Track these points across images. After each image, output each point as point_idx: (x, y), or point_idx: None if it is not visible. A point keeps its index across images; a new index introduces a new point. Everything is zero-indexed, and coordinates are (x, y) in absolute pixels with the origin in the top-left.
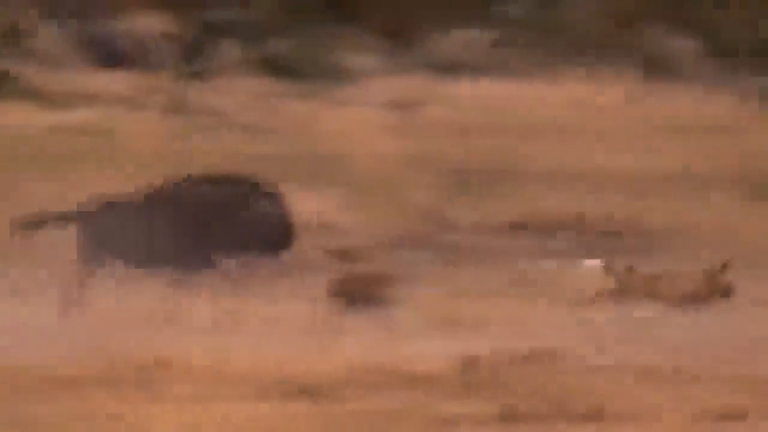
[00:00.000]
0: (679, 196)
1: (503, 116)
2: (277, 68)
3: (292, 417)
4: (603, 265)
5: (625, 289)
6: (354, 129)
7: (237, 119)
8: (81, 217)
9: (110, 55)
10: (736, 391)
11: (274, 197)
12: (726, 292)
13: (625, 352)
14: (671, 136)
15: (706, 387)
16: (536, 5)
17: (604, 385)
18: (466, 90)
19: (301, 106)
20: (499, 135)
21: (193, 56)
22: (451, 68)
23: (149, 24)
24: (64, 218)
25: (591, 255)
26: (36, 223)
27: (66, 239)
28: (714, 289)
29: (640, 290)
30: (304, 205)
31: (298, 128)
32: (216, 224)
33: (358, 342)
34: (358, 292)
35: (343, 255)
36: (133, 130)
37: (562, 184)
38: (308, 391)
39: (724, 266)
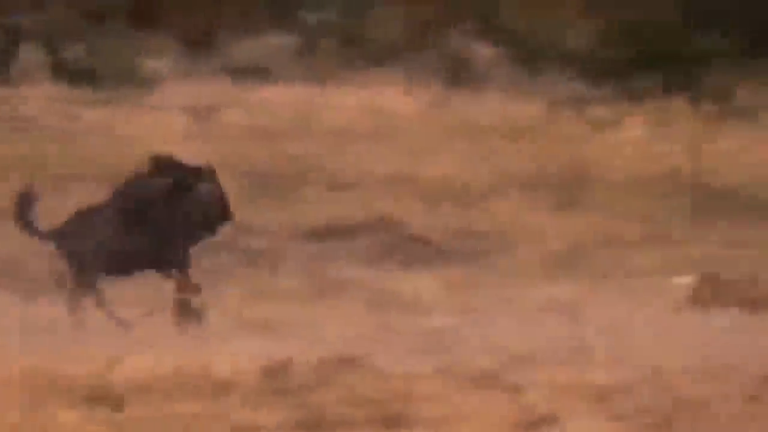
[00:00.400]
0: (478, 202)
1: (306, 122)
2: (76, 73)
3: (94, 423)
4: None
5: None
6: (153, 134)
7: (36, 125)
8: (54, 236)
9: None
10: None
11: (211, 178)
12: None
13: (423, 360)
14: (475, 142)
15: (513, 395)
16: (341, 12)
17: (406, 391)
18: (268, 95)
19: (100, 111)
20: (302, 140)
21: None
22: (252, 73)
23: None
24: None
25: (392, 259)
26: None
27: None
28: None
29: None
30: None
31: (97, 133)
32: (168, 213)
33: (164, 346)
34: None
35: None
36: None
37: (364, 190)
38: (111, 396)
39: None
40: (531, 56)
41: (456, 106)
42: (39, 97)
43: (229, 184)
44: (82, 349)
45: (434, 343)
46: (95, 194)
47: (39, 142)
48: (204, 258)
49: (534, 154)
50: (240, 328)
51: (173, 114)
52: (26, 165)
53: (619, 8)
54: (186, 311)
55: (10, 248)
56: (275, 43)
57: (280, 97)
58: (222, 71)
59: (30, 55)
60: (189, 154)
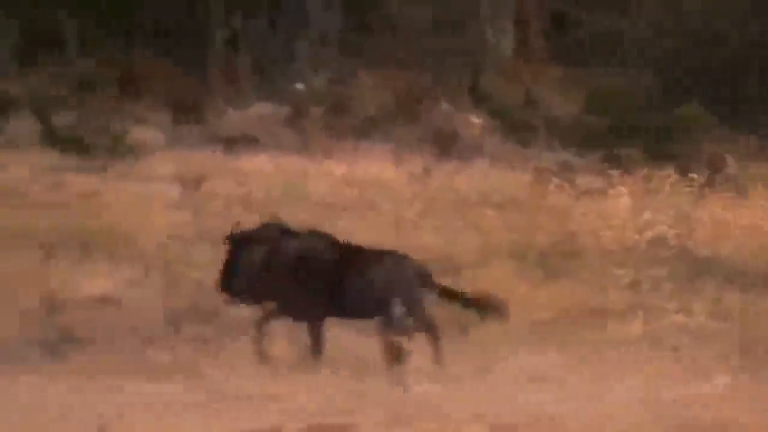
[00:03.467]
0: (465, 271)
1: (294, 191)
2: (64, 141)
3: None
4: None
5: None
6: (141, 203)
7: (22, 192)
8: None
9: None
10: None
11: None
12: None
13: (407, 428)
14: (462, 212)
15: None
16: (329, 82)
17: None
18: (256, 164)
19: (85, 179)
20: (290, 209)
21: None
22: (241, 142)
23: None
24: None
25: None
26: None
27: None
28: None
29: None
30: (91, 280)
31: (83, 202)
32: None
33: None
34: None
35: (134, 332)
36: None
37: None
38: None
39: None
40: (518, 126)
41: (443, 176)
42: (27, 165)
43: (217, 254)
44: None
45: (419, 411)
46: (81, 262)
47: (26, 210)
48: (188, 329)
49: (521, 224)
50: (223, 398)
51: (162, 183)
52: (12, 233)
53: (602, 78)
54: None
55: None
56: (263, 112)
57: (269, 167)
58: (211, 141)
59: (19, 122)
60: (177, 223)
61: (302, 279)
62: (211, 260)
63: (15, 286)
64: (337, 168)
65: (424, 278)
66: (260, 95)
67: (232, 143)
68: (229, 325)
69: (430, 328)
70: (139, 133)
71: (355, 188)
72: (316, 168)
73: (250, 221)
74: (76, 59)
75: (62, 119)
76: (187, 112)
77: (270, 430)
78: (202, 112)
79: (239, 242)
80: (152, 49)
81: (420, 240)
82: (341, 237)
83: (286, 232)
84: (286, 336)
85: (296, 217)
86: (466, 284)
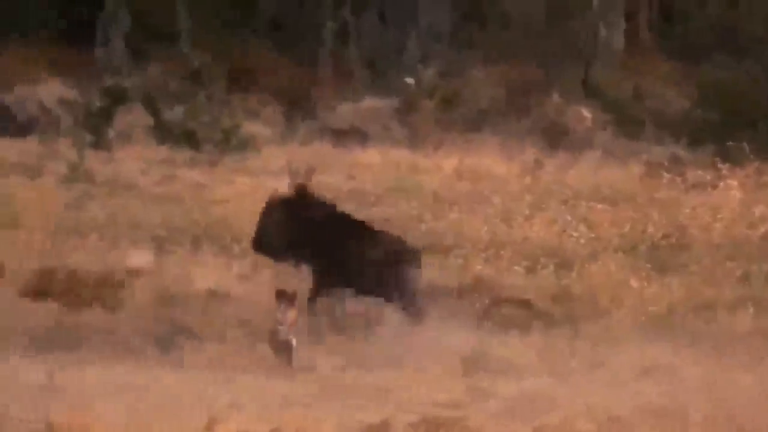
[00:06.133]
0: (574, 265)
1: (404, 185)
2: (175, 135)
3: None
4: None
5: None
6: (250, 196)
7: (134, 186)
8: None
9: (9, 123)
10: None
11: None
12: None
13: (519, 423)
14: (571, 206)
15: None
16: (439, 75)
17: None
18: (366, 158)
19: (198, 173)
20: (399, 203)
21: (91, 124)
22: (351, 136)
23: (48, 92)
24: None
25: (488, 322)
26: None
27: None
28: None
29: None
30: (202, 273)
31: (195, 195)
32: None
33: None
34: None
35: (244, 325)
36: (29, 197)
37: (460, 253)
38: None
39: None
40: (628, 120)
41: (553, 170)
42: (139, 159)
43: None
44: None
45: (530, 406)
46: (193, 255)
47: (138, 204)
48: (300, 323)
49: (631, 218)
50: (336, 392)
51: (271, 176)
52: (124, 226)
53: (712, 71)
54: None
55: None
56: (374, 105)
57: (379, 160)
58: (321, 134)
59: (130, 117)
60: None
61: (324, 248)
62: None
63: (128, 280)
64: (447, 161)
65: (414, 256)
66: (370, 89)
67: (343, 137)
68: (341, 318)
69: (413, 307)
70: (251, 127)
71: (465, 181)
72: (426, 161)
73: (361, 214)
74: (189, 52)
75: (174, 113)
76: (298, 105)
77: (381, 423)
78: (312, 106)
79: (270, 207)
80: (264, 43)
81: (529, 233)
82: (451, 230)
83: (310, 199)
84: (397, 331)
85: (406, 211)
86: (575, 278)
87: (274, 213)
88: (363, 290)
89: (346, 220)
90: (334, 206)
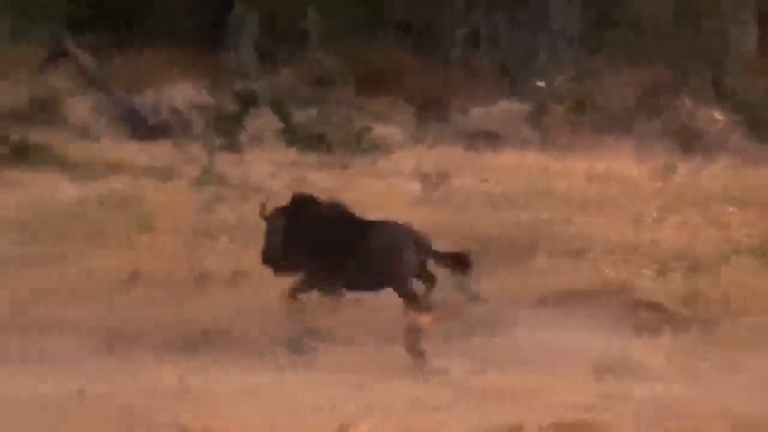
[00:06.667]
0: (706, 268)
1: (536, 188)
2: (305, 138)
3: None
4: None
5: None
6: (381, 199)
7: (264, 189)
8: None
9: (142, 126)
10: None
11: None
12: None
13: (653, 427)
14: (704, 209)
15: None
16: (571, 79)
17: None
18: (499, 161)
19: (328, 176)
20: (532, 207)
21: (223, 127)
22: (484, 139)
23: (180, 95)
24: None
25: (620, 326)
26: None
27: None
28: None
29: None
30: None
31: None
32: None
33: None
34: None
35: (377, 329)
36: (161, 200)
37: (593, 257)
38: None
39: None
40: (759, 121)
41: (684, 172)
42: (268, 162)
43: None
44: None
45: (663, 409)
46: None
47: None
48: (433, 323)
49: (763, 221)
50: (468, 395)
51: (403, 179)
52: (256, 229)
53: None
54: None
55: None
56: (506, 109)
57: (510, 163)
58: (453, 137)
59: (260, 120)
60: (418, 220)
61: (319, 250)
62: None
63: (259, 282)
64: (579, 164)
65: (423, 245)
66: (502, 92)
67: (475, 140)
68: (474, 321)
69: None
70: (382, 130)
71: (596, 184)
72: (557, 165)
73: (493, 217)
74: (318, 55)
75: (304, 116)
76: (429, 108)
77: (514, 427)
78: (444, 109)
79: (272, 217)
80: (395, 46)
81: (660, 236)
82: (584, 234)
83: (311, 203)
84: (530, 335)
85: (537, 214)
86: (706, 281)
87: (275, 224)
88: (355, 286)
89: (344, 219)
90: (333, 207)
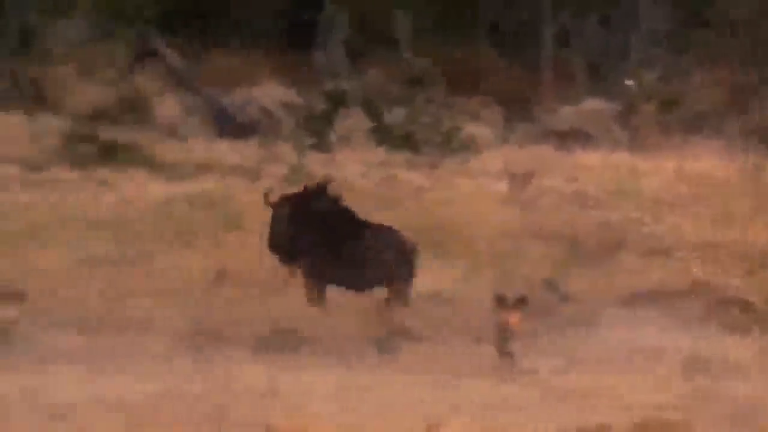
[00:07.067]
0: None
1: (624, 187)
2: (395, 138)
3: None
4: None
5: None
6: (470, 198)
7: (354, 188)
8: None
9: (230, 126)
10: None
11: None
12: None
13: (742, 426)
14: None
15: None
16: (660, 78)
17: None
18: (587, 160)
19: (417, 175)
20: (620, 206)
21: (313, 126)
22: (572, 138)
23: (268, 95)
24: None
25: (708, 324)
26: None
27: None
28: None
29: None
30: (422, 274)
31: (414, 198)
32: None
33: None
34: None
35: (465, 329)
36: (249, 200)
37: (680, 256)
38: None
39: None
40: None
41: None
42: (358, 161)
43: (542, 251)
44: None
45: (752, 409)
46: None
47: (357, 206)
48: (523, 322)
49: None
50: (556, 395)
51: (491, 179)
52: None
53: None
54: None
55: None
56: (595, 108)
57: (599, 163)
58: (541, 136)
59: (350, 120)
60: (507, 219)
61: (317, 243)
62: (541, 256)
63: None
64: (667, 164)
65: (411, 252)
66: (591, 92)
67: (563, 139)
68: (562, 320)
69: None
70: (471, 129)
71: (685, 184)
72: (646, 164)
73: (581, 217)
74: (408, 55)
75: (393, 116)
76: (518, 107)
77: (603, 426)
78: (533, 108)
79: (277, 205)
80: (484, 46)
81: (748, 235)
82: (671, 233)
83: (316, 196)
84: (616, 334)
85: (626, 214)
86: None
87: (280, 212)
88: (343, 283)
89: (344, 217)
90: (339, 203)
